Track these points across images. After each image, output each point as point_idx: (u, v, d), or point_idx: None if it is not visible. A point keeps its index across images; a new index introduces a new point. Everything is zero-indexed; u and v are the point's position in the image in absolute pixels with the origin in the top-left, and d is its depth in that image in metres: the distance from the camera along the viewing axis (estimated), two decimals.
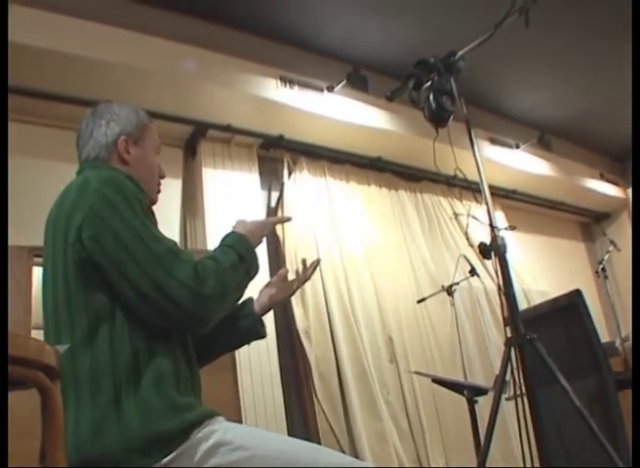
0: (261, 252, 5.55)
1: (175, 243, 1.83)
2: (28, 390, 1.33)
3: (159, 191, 2.14)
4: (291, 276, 2.31)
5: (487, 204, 2.73)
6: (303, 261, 2.28)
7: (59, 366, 1.27)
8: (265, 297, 2.25)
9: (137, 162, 2.01)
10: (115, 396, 1.63)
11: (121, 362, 1.66)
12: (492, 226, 2.65)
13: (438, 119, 2.75)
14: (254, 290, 2.18)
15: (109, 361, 1.66)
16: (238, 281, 1.87)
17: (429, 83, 2.78)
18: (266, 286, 2.29)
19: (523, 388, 2.52)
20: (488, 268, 6.77)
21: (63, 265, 1.76)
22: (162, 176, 2.14)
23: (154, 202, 2.10)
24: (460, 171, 2.74)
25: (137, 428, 1.60)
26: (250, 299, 2.23)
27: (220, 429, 1.69)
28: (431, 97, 2.73)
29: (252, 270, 1.93)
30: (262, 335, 2.25)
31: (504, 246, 2.62)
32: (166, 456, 1.59)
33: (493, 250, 2.61)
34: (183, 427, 1.64)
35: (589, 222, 9.92)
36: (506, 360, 2.53)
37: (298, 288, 2.29)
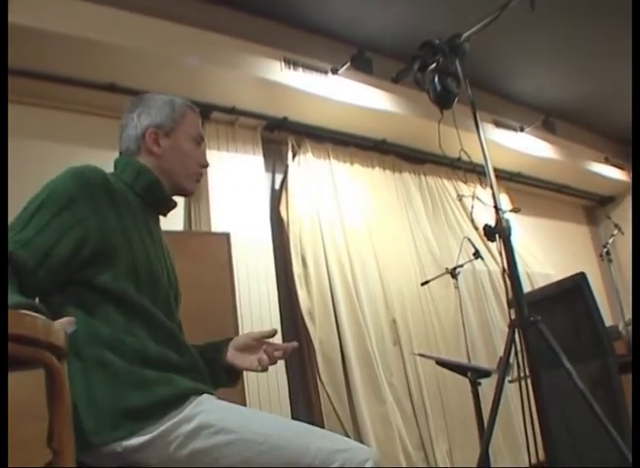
0: (266, 234, 5.61)
1: (48, 245, 1.67)
2: (37, 373, 1.33)
3: (198, 180, 2.13)
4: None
5: (492, 186, 2.73)
6: (273, 332, 2.13)
7: (66, 345, 1.27)
8: (239, 361, 2.05)
9: (167, 153, 2.01)
10: (84, 369, 1.63)
11: (81, 336, 1.65)
12: (496, 208, 2.64)
13: (443, 101, 2.75)
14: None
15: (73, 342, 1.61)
16: None
17: (434, 65, 2.78)
18: (244, 341, 2.09)
19: (526, 370, 2.53)
20: (492, 251, 6.78)
21: None
22: (203, 165, 2.12)
23: (190, 192, 2.10)
24: (465, 153, 2.73)
25: (105, 400, 1.60)
26: (228, 347, 2.09)
27: (205, 410, 1.67)
28: (436, 78, 2.73)
29: None
30: (226, 386, 2.09)
31: (509, 228, 2.62)
32: (139, 435, 1.59)
33: (497, 232, 2.61)
34: (155, 402, 1.63)
35: (594, 206, 9.90)
36: (510, 342, 2.54)
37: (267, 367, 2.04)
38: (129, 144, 2.02)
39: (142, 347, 1.73)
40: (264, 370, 2.00)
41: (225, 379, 2.06)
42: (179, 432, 1.61)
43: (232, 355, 2.06)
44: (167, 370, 1.73)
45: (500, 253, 2.59)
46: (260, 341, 2.08)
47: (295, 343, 2.14)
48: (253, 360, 2.02)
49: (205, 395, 1.73)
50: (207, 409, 1.67)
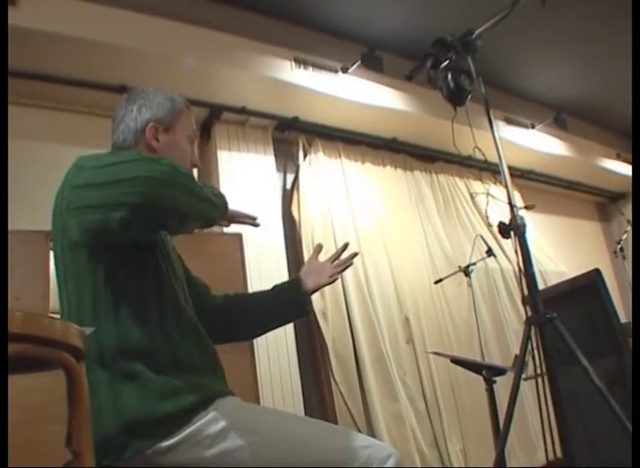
0: (278, 234, 5.61)
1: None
2: (54, 375, 1.33)
3: None
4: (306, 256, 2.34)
5: (506, 183, 2.72)
6: (344, 247, 2.36)
7: (84, 347, 1.27)
8: (312, 284, 2.27)
9: (165, 149, 1.99)
10: (110, 380, 1.63)
11: (110, 347, 1.66)
12: (511, 205, 2.63)
13: (457, 98, 2.74)
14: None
15: (98, 347, 1.65)
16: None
17: (447, 62, 2.77)
18: (308, 268, 2.32)
19: (542, 368, 2.52)
20: (504, 249, 6.77)
21: (61, 249, 1.78)
22: (195, 165, 2.11)
23: None
24: (480, 150, 2.72)
25: (134, 409, 1.59)
26: (299, 277, 2.29)
27: (232, 411, 1.68)
28: (449, 76, 2.72)
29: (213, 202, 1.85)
30: (309, 312, 2.33)
31: (524, 225, 2.61)
32: (168, 439, 1.58)
33: (512, 229, 2.60)
34: (185, 409, 1.62)
35: (606, 202, 9.87)
36: (526, 339, 2.53)
37: (336, 276, 2.30)
38: (127, 137, 1.99)
39: (172, 354, 1.72)
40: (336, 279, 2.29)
41: (309, 307, 2.30)
42: (207, 433, 1.61)
43: (309, 282, 2.28)
44: (192, 372, 1.73)
45: (516, 251, 2.58)
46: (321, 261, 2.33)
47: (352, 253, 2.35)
48: (324, 277, 2.27)
49: (229, 397, 1.74)
50: (234, 410, 1.68)
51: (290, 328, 5.35)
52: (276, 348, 5.18)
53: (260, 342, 4.99)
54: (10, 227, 3.64)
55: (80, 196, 1.65)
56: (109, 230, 1.58)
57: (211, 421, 1.62)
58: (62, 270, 1.78)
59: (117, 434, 1.58)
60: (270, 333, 5.13)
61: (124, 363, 1.65)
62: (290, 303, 2.27)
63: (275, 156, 6.10)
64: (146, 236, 1.76)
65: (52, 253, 1.86)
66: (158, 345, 1.71)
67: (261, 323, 2.30)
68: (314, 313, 5.53)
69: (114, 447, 1.57)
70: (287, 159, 6.34)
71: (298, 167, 6.23)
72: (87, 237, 1.66)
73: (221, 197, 1.93)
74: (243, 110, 5.78)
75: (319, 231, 5.83)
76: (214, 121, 5.78)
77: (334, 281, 2.29)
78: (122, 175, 1.59)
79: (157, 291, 1.79)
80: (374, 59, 6.19)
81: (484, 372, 4.04)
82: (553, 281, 6.68)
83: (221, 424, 1.62)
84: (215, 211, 1.86)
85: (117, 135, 2.02)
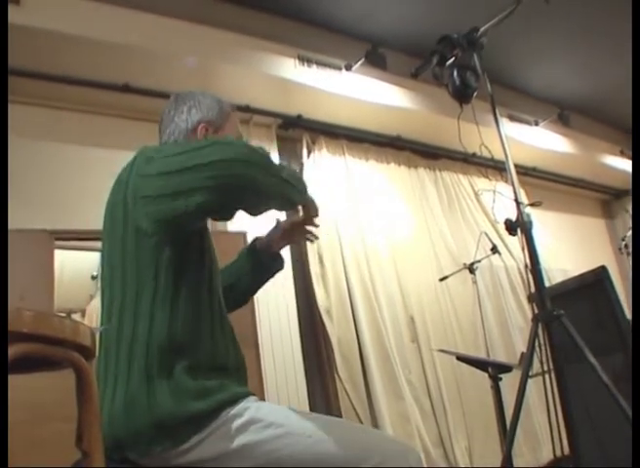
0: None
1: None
2: (61, 374, 1.33)
3: None
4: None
5: (512, 180, 2.72)
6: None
7: (93, 346, 1.27)
8: (276, 244, 2.44)
9: None
10: (147, 375, 1.65)
11: (157, 342, 1.68)
12: (517, 202, 2.63)
13: (463, 95, 2.74)
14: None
15: (146, 339, 1.68)
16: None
17: (453, 59, 2.77)
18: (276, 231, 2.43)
19: (549, 365, 2.52)
20: (508, 246, 6.75)
21: (122, 237, 1.79)
22: None
23: None
24: (486, 147, 2.72)
25: (168, 408, 1.62)
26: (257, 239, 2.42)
27: (252, 407, 1.70)
28: (455, 73, 2.72)
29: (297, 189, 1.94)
30: (281, 267, 2.49)
31: (530, 222, 2.61)
32: (194, 436, 1.61)
33: (519, 226, 2.60)
34: (214, 407, 1.65)
35: (609, 199, 9.86)
36: (534, 336, 2.52)
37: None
38: (177, 137, 2.04)
39: (212, 356, 1.78)
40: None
41: (280, 263, 2.50)
42: (230, 427, 1.64)
43: (276, 243, 2.45)
44: (224, 374, 1.78)
45: (522, 248, 2.58)
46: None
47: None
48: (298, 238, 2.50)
49: (252, 396, 1.77)
50: (255, 406, 1.72)
51: (295, 326, 5.35)
52: (281, 346, 5.18)
53: (264, 340, 5.00)
54: (14, 226, 3.64)
55: (149, 185, 1.73)
56: (183, 217, 1.68)
57: (235, 416, 1.66)
58: (120, 260, 1.80)
59: (148, 429, 1.61)
60: (275, 331, 5.16)
61: (167, 357, 1.68)
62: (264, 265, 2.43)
63: (279, 154, 6.09)
64: (224, 217, 1.84)
65: (103, 244, 1.90)
66: (202, 345, 1.76)
67: (249, 285, 2.45)
68: (319, 311, 5.53)
69: (143, 441, 1.61)
70: (291, 157, 6.34)
71: (302, 165, 6.23)
72: (157, 226, 1.72)
73: (301, 181, 1.98)
74: (247, 108, 5.76)
75: (324, 229, 5.82)
76: None
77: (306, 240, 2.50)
78: (194, 162, 1.67)
79: (209, 285, 1.86)
80: (377, 57, 6.19)
81: (490, 370, 4.03)
82: (557, 279, 6.66)
83: (244, 418, 1.66)
84: (295, 193, 1.92)
85: (167, 134, 2.07)
